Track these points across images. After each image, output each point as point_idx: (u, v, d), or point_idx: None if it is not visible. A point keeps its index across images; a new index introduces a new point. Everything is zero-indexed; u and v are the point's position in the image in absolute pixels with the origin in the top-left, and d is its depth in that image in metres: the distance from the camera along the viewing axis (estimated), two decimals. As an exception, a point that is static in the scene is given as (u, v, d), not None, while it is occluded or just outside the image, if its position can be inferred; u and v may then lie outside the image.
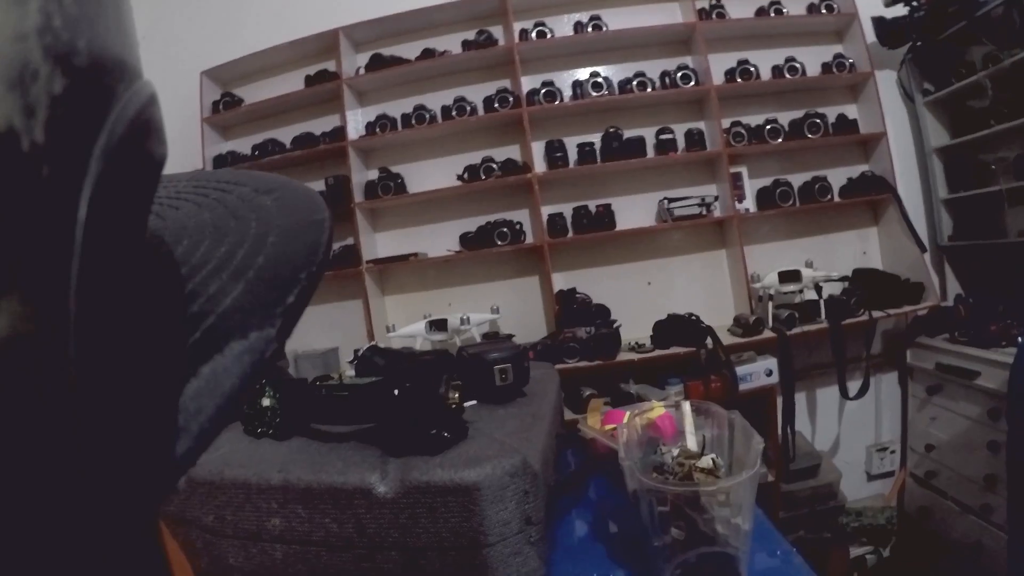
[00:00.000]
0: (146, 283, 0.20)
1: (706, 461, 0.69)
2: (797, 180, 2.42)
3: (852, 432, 2.47)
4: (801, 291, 2.26)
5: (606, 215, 2.46)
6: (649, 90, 2.47)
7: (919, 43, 2.52)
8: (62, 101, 0.14)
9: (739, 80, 2.50)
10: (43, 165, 0.13)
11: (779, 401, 2.18)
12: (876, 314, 2.22)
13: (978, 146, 2.46)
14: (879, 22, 2.49)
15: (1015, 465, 1.27)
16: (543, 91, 2.47)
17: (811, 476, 2.28)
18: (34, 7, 0.13)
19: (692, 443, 0.75)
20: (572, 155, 2.51)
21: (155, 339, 0.19)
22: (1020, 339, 1.67)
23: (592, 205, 2.49)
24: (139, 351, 0.17)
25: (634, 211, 2.51)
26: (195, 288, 0.21)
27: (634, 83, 2.47)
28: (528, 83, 2.49)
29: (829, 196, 2.38)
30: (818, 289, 2.24)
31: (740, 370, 2.10)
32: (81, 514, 0.14)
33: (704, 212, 2.38)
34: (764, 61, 2.52)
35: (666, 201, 2.43)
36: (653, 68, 2.52)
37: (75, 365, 0.14)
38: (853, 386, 2.25)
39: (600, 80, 2.48)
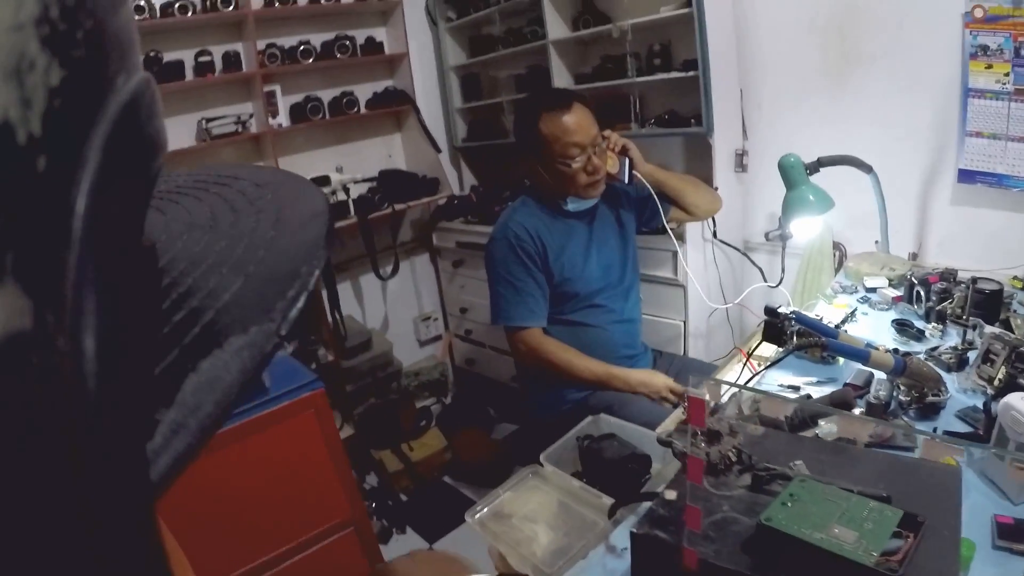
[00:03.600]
0: (145, 277, 0.19)
1: None
2: (327, 95, 2.69)
3: (397, 308, 2.94)
4: (334, 193, 2.56)
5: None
6: (190, 14, 2.47)
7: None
8: (59, 93, 0.13)
9: (277, 5, 2.64)
10: (39, 157, 0.13)
11: (323, 291, 2.50)
12: (399, 207, 2.64)
13: (488, 65, 3.01)
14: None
15: None
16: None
17: (366, 350, 2.68)
18: None
19: None
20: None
21: (153, 334, 0.18)
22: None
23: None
24: (137, 346, 0.17)
25: (175, 131, 2.53)
26: (195, 283, 0.20)
27: (175, 7, 2.45)
28: None
29: (356, 108, 2.70)
30: (346, 190, 2.57)
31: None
32: (76, 512, 0.14)
33: (240, 129, 2.52)
34: (304, -14, 2.68)
35: (204, 121, 2.50)
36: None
37: (71, 360, 0.13)
38: (387, 270, 2.67)
39: (142, 4, 2.40)
